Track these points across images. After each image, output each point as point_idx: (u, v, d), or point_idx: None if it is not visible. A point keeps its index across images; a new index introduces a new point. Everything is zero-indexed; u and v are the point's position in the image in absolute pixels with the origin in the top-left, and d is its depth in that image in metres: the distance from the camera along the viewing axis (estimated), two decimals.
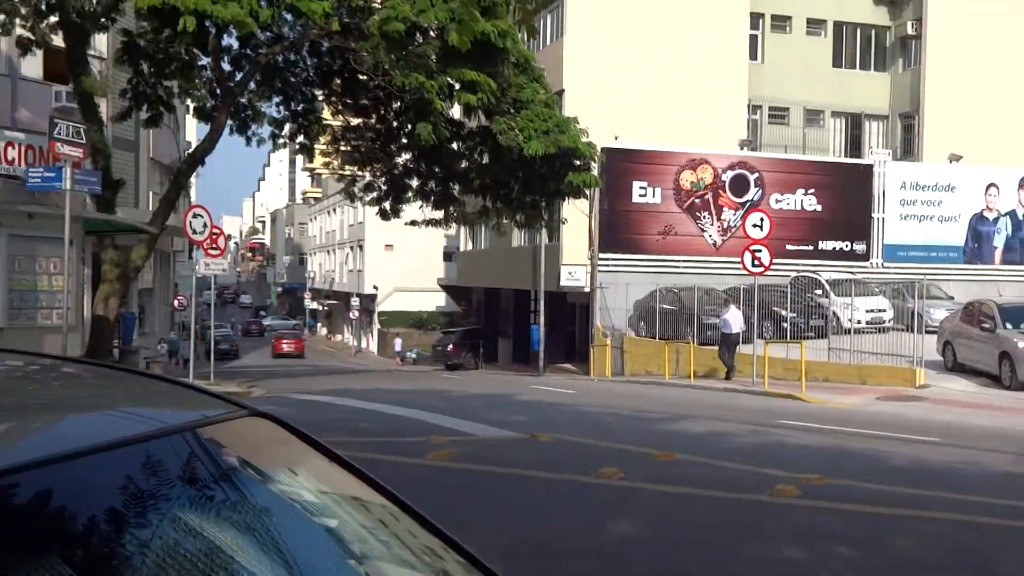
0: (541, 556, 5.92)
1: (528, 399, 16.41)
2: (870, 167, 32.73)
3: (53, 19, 20.43)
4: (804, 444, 11.37)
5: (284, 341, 54.25)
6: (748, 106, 35.07)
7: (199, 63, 21.15)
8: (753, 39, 35.30)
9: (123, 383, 2.08)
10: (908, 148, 36.66)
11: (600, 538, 6.46)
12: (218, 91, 22.13)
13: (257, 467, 1.81)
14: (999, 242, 33.19)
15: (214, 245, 19.20)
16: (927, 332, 21.65)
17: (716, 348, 23.27)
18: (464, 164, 24.89)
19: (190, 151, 24.83)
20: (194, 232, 18.64)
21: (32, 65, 27.24)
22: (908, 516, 7.25)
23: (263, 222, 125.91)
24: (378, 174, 26.14)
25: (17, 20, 20.77)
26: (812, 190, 31.96)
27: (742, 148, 33.04)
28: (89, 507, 1.41)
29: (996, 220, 33.12)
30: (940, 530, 6.87)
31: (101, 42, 26.94)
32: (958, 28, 34.27)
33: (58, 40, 21.39)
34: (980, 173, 33.01)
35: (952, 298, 26.30)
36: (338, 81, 23.59)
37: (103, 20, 20.37)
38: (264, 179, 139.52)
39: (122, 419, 1.78)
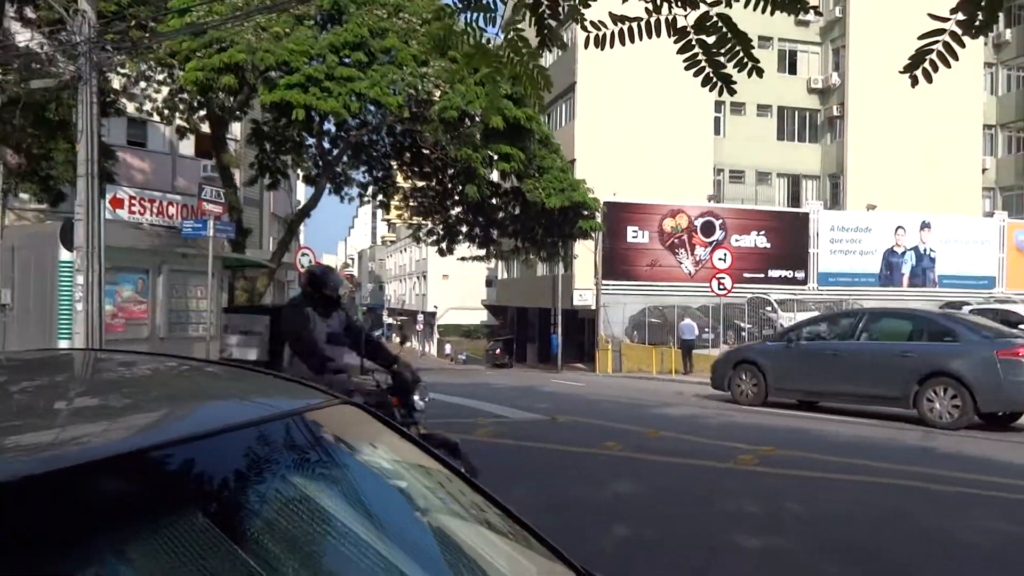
0: (559, 509, 5.86)
1: (549, 390, 16.29)
2: (807, 214, 32.46)
3: (202, 112, 20.79)
4: (759, 423, 11.16)
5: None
6: (713, 169, 34.98)
7: (306, 143, 21.41)
8: (717, 119, 35.27)
9: (248, 379, 2.08)
10: (836, 200, 36.30)
11: (603, 494, 6.39)
12: (320, 163, 22.37)
13: (346, 442, 1.79)
14: (906, 270, 32.73)
15: None
16: None
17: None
18: (501, 215, 24.96)
19: (300, 207, 25.06)
20: (302, 267, 18.75)
21: (187, 146, 27.70)
22: (841, 479, 7.10)
23: (353, 258, 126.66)
24: (437, 223, 26.27)
25: (177, 113, 21.16)
26: (763, 232, 31.69)
27: (709, 201, 33.00)
28: (225, 472, 1.40)
29: (903, 253, 32.67)
30: (865, 490, 6.72)
31: (236, 128, 27.36)
32: (872, 109, 34.11)
33: (205, 127, 21.76)
34: (890, 218, 32.62)
35: None
36: (408, 154, 23.75)
37: (238, 112, 20.68)
38: (353, 227, 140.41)
39: (249, 406, 1.78)
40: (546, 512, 5.71)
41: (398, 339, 76.38)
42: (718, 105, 34.87)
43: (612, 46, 3.07)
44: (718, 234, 31.05)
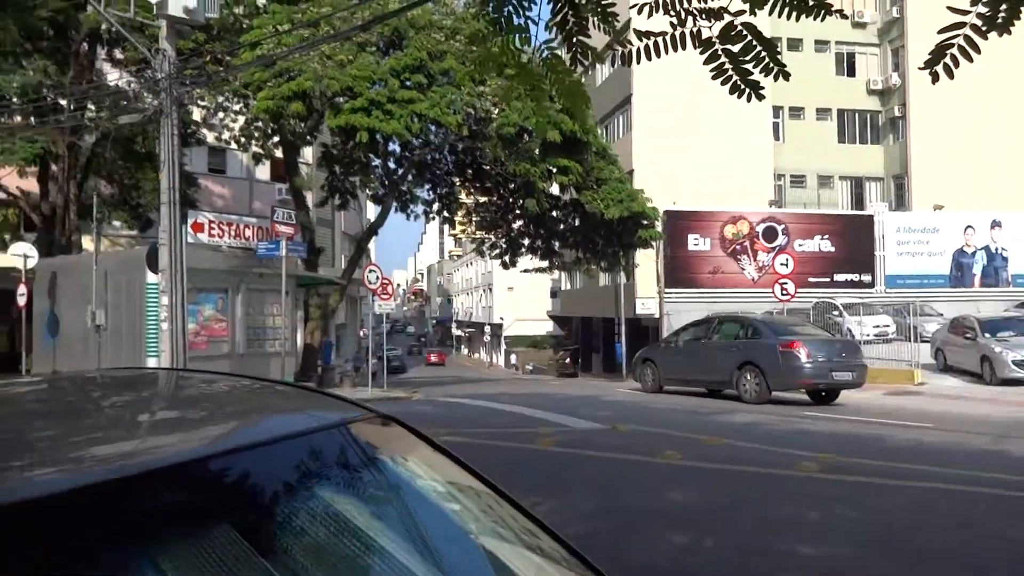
0: (617, 515, 5.81)
1: (611, 399, 16.12)
2: (871, 217, 31.43)
3: (276, 139, 21.48)
4: (823, 430, 10.85)
5: (433, 354, 59.77)
6: (774, 174, 34.23)
7: (372, 163, 21.87)
8: (775, 125, 34.56)
9: (290, 395, 2.14)
10: (901, 201, 35.04)
11: (661, 502, 6.30)
12: (386, 182, 22.81)
13: (384, 454, 1.83)
14: (977, 271, 31.29)
15: (384, 291, 19.63)
16: (922, 341, 20.56)
17: None
18: (561, 227, 24.96)
19: (368, 226, 25.57)
20: (370, 283, 19.12)
21: (263, 171, 28.64)
22: (903, 485, 6.83)
23: (422, 273, 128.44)
24: (499, 236, 26.44)
25: (252, 141, 21.93)
26: (827, 236, 30.82)
27: (771, 206, 32.31)
28: (265, 483, 1.46)
29: (974, 253, 31.25)
30: (927, 496, 6.45)
31: (308, 152, 28.15)
32: (935, 108, 32.80)
33: (278, 153, 22.48)
34: (959, 217, 31.26)
35: (941, 315, 24.86)
36: (469, 171, 24.01)
37: (308, 137, 21.28)
38: (422, 242, 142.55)
39: (296, 419, 1.84)
40: (603, 519, 5.67)
41: (466, 351, 77.00)
42: (776, 110, 34.18)
43: (639, 62, 3.06)
44: (780, 239, 30.34)
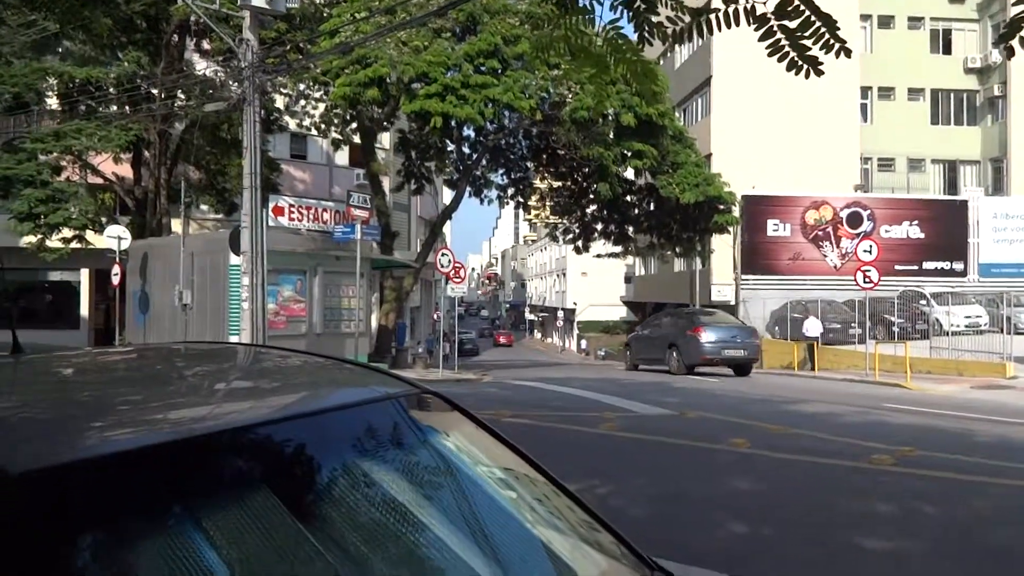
0: (677, 501, 5.78)
1: (681, 386, 15.92)
2: (965, 202, 29.89)
3: (354, 125, 21.95)
4: (903, 423, 10.45)
5: (501, 336, 64.66)
6: (860, 158, 32.88)
7: (447, 148, 22.08)
8: (863, 106, 33.16)
9: (345, 372, 2.22)
10: (998, 186, 33.15)
11: (723, 489, 6.22)
12: (460, 167, 23.02)
13: (426, 426, 1.90)
14: None
15: (457, 275, 19.88)
16: (1017, 334, 19.53)
17: (834, 347, 22.36)
18: (635, 211, 24.71)
19: (443, 210, 25.90)
20: (442, 266, 19.40)
21: (342, 156, 29.32)
22: (987, 483, 6.54)
23: (496, 258, 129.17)
24: (573, 221, 26.36)
25: (332, 127, 22.47)
26: (916, 222, 29.50)
27: (856, 191, 31.08)
28: (321, 446, 1.56)
29: None
30: (1013, 494, 6.17)
31: (385, 138, 28.65)
32: None
33: (357, 139, 22.97)
34: None
35: None
36: (543, 156, 24.00)
37: (385, 123, 21.65)
38: (497, 227, 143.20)
39: (342, 392, 1.94)
40: (664, 504, 5.66)
41: (539, 335, 77.19)
42: (864, 91, 32.80)
43: (691, 39, 3.02)
44: (866, 225, 29.23)
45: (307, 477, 1.54)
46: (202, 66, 20.50)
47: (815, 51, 2.85)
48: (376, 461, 1.67)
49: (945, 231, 29.34)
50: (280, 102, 22.37)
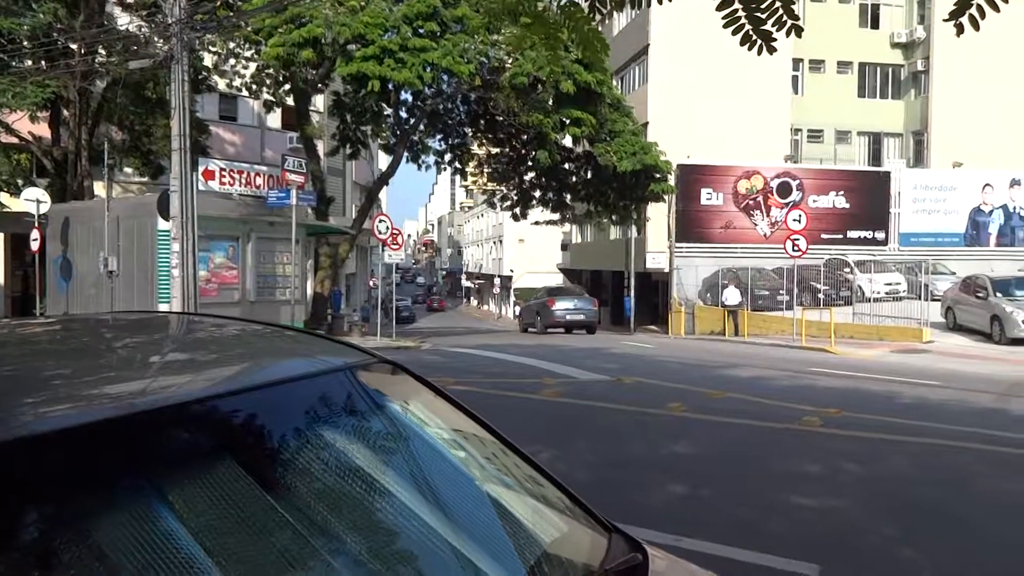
0: (618, 465, 5.93)
1: (618, 352, 16.23)
2: (888, 173, 31.00)
3: (287, 86, 21.29)
4: (829, 386, 10.93)
5: (434, 301, 69.75)
6: (791, 129, 33.71)
7: (384, 112, 21.67)
8: (795, 78, 33.92)
9: (302, 341, 2.18)
10: (919, 158, 34.53)
11: (662, 452, 6.41)
12: (397, 132, 22.65)
13: (385, 395, 1.89)
14: (993, 229, 30.87)
15: (394, 242, 19.67)
16: (933, 300, 20.54)
17: (763, 313, 23.19)
18: (573, 179, 24.82)
19: (379, 176, 25.50)
20: (380, 232, 19.15)
21: (275, 119, 28.44)
22: (906, 441, 6.92)
23: (433, 224, 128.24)
24: (511, 188, 26.32)
25: (264, 88, 21.75)
26: (842, 192, 30.45)
27: (786, 161, 31.93)
28: (281, 417, 1.54)
29: (991, 212, 30.82)
30: (929, 451, 6.54)
31: (319, 101, 27.88)
32: (958, 62, 32.09)
33: (290, 101, 22.30)
34: (977, 175, 30.77)
35: (955, 274, 24.74)
36: (482, 122, 23.81)
37: (319, 85, 21.08)
38: (433, 193, 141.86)
39: (302, 362, 1.90)
40: (605, 468, 5.79)
41: (475, 302, 77.29)
42: (796, 63, 33.51)
43: (649, 5, 3.04)
44: (795, 195, 30.03)
45: (269, 448, 1.52)
46: (125, 20, 19.50)
47: (769, 27, 2.88)
48: (336, 430, 1.66)
49: (869, 201, 30.41)
50: (208, 61, 21.50)
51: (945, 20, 2.89)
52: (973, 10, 2.80)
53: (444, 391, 2.03)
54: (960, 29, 2.86)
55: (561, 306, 24.57)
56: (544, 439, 6.56)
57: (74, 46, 17.54)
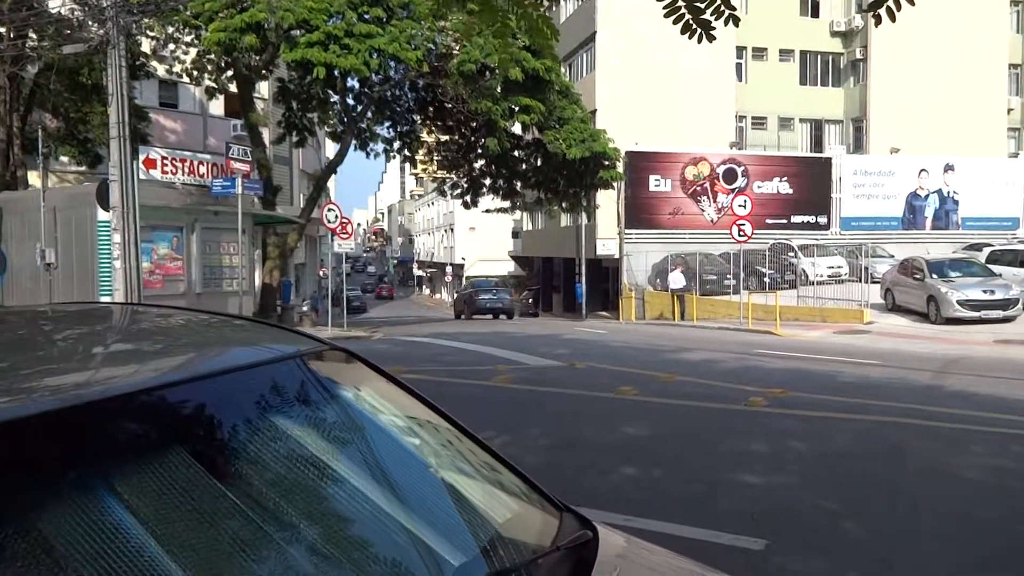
0: (571, 448, 6.01)
1: (571, 337, 16.37)
2: (829, 159, 31.85)
3: (229, 72, 20.78)
4: (775, 367, 11.21)
5: (383, 290, 70.16)
6: (735, 116, 34.28)
7: (331, 100, 21.32)
8: (738, 66, 34.44)
9: (249, 329, 2.17)
10: (859, 144, 35.49)
11: (613, 435, 6.51)
12: (345, 119, 22.33)
13: (337, 382, 1.88)
14: (929, 213, 32.05)
15: (344, 231, 19.44)
16: (873, 282, 21.17)
17: (711, 297, 23.66)
18: (523, 167, 24.82)
19: (327, 164, 25.13)
20: (329, 222, 18.91)
21: (217, 106, 27.75)
22: (848, 418, 7.15)
23: (383, 213, 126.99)
24: (461, 176, 26.21)
25: (205, 74, 21.18)
26: (785, 178, 31.17)
27: (731, 148, 32.50)
28: (232, 406, 1.53)
29: (927, 196, 31.96)
30: (871, 428, 6.77)
31: (263, 88, 27.27)
32: (896, 51, 33.06)
33: (233, 87, 21.77)
34: (913, 161, 31.86)
35: (893, 256, 25.50)
36: (431, 109, 23.61)
37: (263, 71, 20.63)
38: (383, 182, 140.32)
39: (252, 351, 1.88)
40: (558, 451, 5.86)
41: (427, 291, 76.96)
42: (740, 51, 34.04)
43: None
44: (740, 181, 30.62)
45: (219, 438, 1.51)
46: (57, 3, 18.76)
47: (708, 16, 2.93)
48: (288, 418, 1.66)
49: (811, 187, 31.19)
50: (147, 46, 20.85)
51: (864, 10, 2.98)
52: (890, 2, 2.89)
53: (397, 378, 2.03)
54: (878, 20, 2.96)
55: (483, 296, 31.41)
56: (497, 424, 6.60)
57: (2, 30, 16.82)
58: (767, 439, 6.34)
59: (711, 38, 3.03)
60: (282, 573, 1.32)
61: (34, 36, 17.72)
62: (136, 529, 1.19)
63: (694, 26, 3.02)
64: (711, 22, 3.00)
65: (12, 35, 16.85)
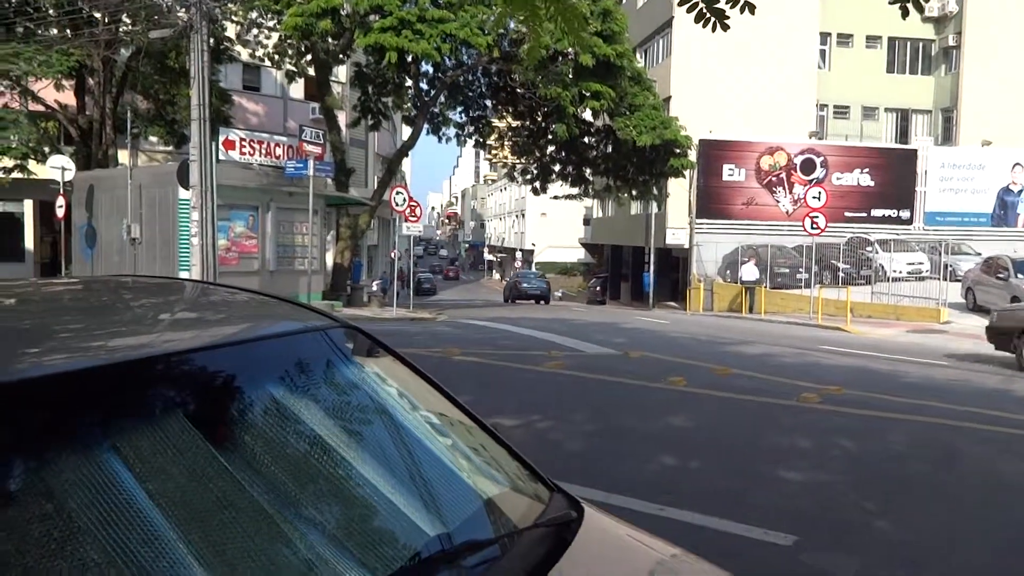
0: (613, 436, 6.04)
1: (631, 327, 16.27)
2: (915, 151, 30.46)
3: (309, 57, 21.34)
4: (836, 364, 10.90)
5: (450, 271, 75.47)
6: (816, 105, 33.13)
7: (405, 84, 21.65)
8: (822, 52, 33.27)
9: (271, 306, 2.28)
10: (947, 136, 33.83)
11: (657, 425, 6.50)
12: (418, 104, 22.66)
13: (343, 358, 1.99)
14: (1021, 210, 30.33)
15: (412, 214, 19.77)
16: (955, 280, 20.31)
17: (781, 291, 23.03)
18: (593, 153, 24.71)
19: (399, 147, 25.55)
20: (397, 205, 19.26)
21: (297, 89, 28.54)
22: (903, 419, 6.94)
23: (456, 197, 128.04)
24: (531, 161, 26.28)
25: (286, 59, 21.83)
26: (867, 169, 30.02)
27: (811, 138, 31.41)
28: (238, 374, 1.65)
29: (1020, 192, 30.25)
30: (925, 429, 6.57)
31: (341, 72, 27.89)
32: (991, 38, 31.32)
33: (312, 71, 22.36)
34: (1006, 154, 30.15)
35: (979, 254, 24.33)
36: (502, 94, 23.72)
37: (341, 56, 21.10)
38: (458, 166, 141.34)
39: (263, 325, 2.01)
40: (600, 438, 5.91)
41: (497, 276, 77.39)
42: (824, 37, 32.85)
43: None
44: (819, 172, 29.66)
45: (219, 405, 1.62)
46: None
47: (722, 4, 2.91)
48: (291, 390, 1.76)
49: (894, 179, 29.95)
50: (231, 30, 21.60)
51: (891, 3, 2.90)
52: None
53: (404, 357, 2.12)
54: (905, 12, 2.88)
55: (524, 285, 36.46)
56: (543, 409, 6.69)
57: (97, 15, 17.72)
58: (814, 436, 6.23)
59: (725, 27, 3.00)
60: (257, 530, 1.43)
61: (127, 21, 18.59)
62: (131, 483, 1.32)
63: (707, 15, 3.00)
64: (725, 11, 2.97)
65: (106, 19, 17.74)
